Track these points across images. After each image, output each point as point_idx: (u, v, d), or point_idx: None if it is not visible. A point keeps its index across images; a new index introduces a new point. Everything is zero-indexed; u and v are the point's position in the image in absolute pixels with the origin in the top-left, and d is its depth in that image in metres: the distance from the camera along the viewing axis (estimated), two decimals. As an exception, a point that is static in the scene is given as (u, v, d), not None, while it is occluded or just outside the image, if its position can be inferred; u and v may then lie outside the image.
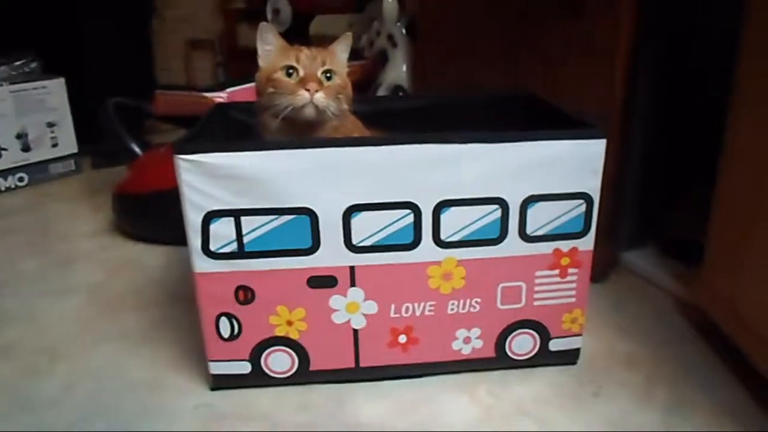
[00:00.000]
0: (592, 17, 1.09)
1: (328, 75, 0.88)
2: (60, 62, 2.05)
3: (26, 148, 1.95)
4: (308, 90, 0.84)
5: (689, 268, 1.21)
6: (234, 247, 0.84)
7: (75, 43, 2.13)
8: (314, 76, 0.86)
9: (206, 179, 0.80)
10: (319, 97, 0.84)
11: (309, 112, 0.85)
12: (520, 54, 1.25)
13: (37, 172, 1.97)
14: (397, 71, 1.60)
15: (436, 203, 0.84)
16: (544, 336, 0.94)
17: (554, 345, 0.95)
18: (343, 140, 0.82)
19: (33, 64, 2.04)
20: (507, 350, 0.94)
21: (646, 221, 1.32)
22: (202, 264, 0.84)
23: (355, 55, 1.80)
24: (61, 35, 2.11)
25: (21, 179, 1.94)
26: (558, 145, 0.83)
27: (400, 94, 1.61)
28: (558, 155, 0.83)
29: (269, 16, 2.38)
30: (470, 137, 0.81)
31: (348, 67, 1.72)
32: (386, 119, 1.02)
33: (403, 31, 1.60)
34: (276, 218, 0.82)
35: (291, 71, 0.87)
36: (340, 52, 0.92)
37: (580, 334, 0.95)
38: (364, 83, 1.73)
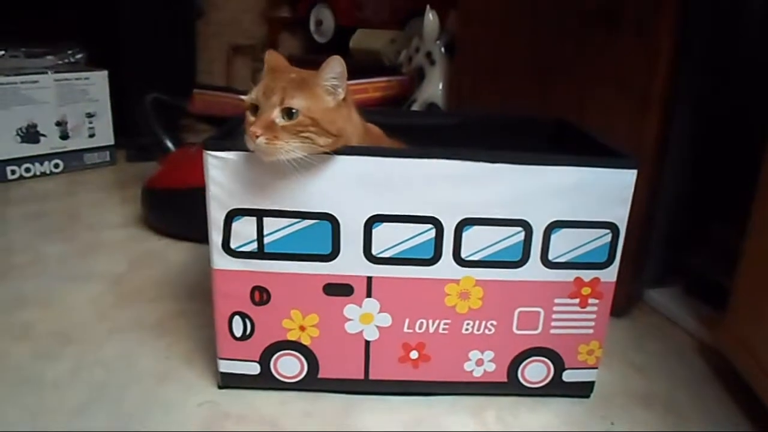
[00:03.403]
0: (627, 44, 1.07)
1: (290, 113, 0.75)
2: (105, 56, 2.10)
3: (64, 136, 1.99)
4: (250, 135, 0.75)
5: (713, 309, 1.18)
6: (254, 246, 0.84)
7: (121, 39, 2.17)
8: (264, 118, 0.75)
9: (233, 177, 0.80)
10: (260, 142, 0.74)
11: (264, 157, 0.76)
12: (554, 80, 1.24)
13: (73, 160, 2.01)
14: (433, 89, 1.60)
15: (459, 220, 0.83)
16: (559, 366, 0.92)
17: (568, 376, 0.93)
18: (370, 150, 0.82)
19: (78, 56, 2.10)
20: (519, 377, 0.92)
21: (672, 260, 1.29)
22: (220, 261, 0.85)
23: (392, 70, 1.82)
24: (108, 30, 2.16)
25: (56, 165, 1.98)
26: (587, 171, 0.81)
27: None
28: (587, 182, 0.82)
29: (312, 26, 2.40)
30: (499, 157, 0.81)
31: (387, 82, 1.74)
32: (416, 134, 1.02)
33: (442, 49, 1.61)
34: (298, 222, 0.82)
35: (255, 107, 0.78)
36: (321, 81, 0.78)
37: (595, 367, 0.93)
38: (400, 99, 1.73)
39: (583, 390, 0.95)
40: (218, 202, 0.82)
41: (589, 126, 1.02)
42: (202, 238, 0.86)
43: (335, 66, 0.78)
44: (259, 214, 0.82)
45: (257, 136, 0.74)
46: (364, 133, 0.87)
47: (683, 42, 1.04)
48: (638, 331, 1.17)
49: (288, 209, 0.82)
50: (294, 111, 0.75)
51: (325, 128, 0.76)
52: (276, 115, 0.75)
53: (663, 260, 1.27)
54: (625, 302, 1.18)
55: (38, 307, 1.15)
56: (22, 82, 1.88)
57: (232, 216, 0.82)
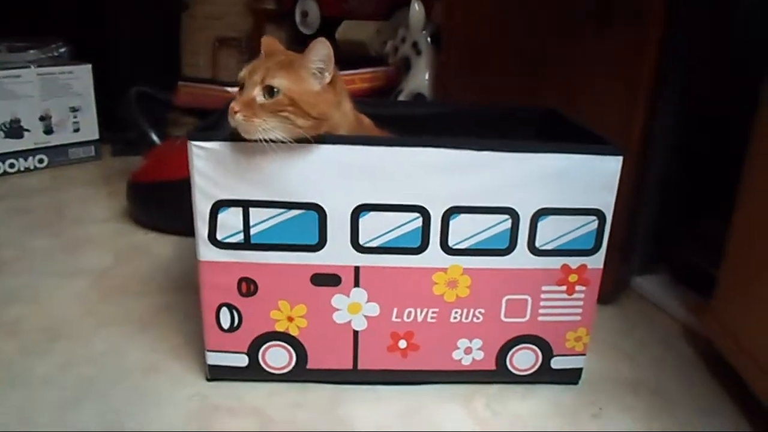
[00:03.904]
0: (617, 35, 1.08)
1: (271, 91, 0.75)
2: (89, 49, 2.08)
3: (48, 131, 1.97)
4: (230, 111, 0.75)
5: (700, 296, 1.19)
6: (240, 237, 0.83)
7: (105, 32, 2.15)
8: (245, 95, 0.76)
9: (218, 167, 0.80)
10: (239, 119, 0.74)
11: (244, 135, 0.75)
12: (542, 70, 1.24)
13: (57, 155, 1.99)
14: (419, 79, 1.60)
15: (446, 209, 0.83)
16: (547, 353, 0.92)
17: (556, 363, 0.93)
18: (357, 138, 0.82)
19: (62, 50, 2.07)
20: (508, 364, 0.93)
21: (659, 247, 1.30)
22: (207, 252, 0.84)
23: (379, 61, 1.81)
24: (91, 23, 2.14)
25: (41, 161, 1.96)
26: (573, 158, 0.82)
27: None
28: (573, 169, 0.82)
29: (297, 18, 2.39)
30: (485, 145, 0.81)
31: (373, 73, 1.73)
32: (404, 124, 1.01)
33: (428, 39, 1.60)
34: (284, 212, 0.82)
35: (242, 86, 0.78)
36: (306, 63, 0.77)
37: (583, 354, 0.94)
38: (386, 89, 1.73)
39: (571, 377, 0.95)
40: (203, 193, 0.81)
41: (581, 117, 1.02)
42: (188, 231, 0.85)
43: (320, 49, 0.77)
44: (245, 205, 0.82)
45: (236, 112, 0.74)
46: (356, 124, 0.87)
47: (672, 35, 1.04)
48: (626, 318, 1.17)
49: (274, 199, 0.81)
50: (275, 90, 0.75)
51: (305, 110, 0.76)
52: (257, 93, 0.76)
53: (650, 248, 1.27)
54: (612, 290, 1.19)
55: (25, 303, 1.14)
56: (4, 77, 1.85)
57: (217, 207, 0.82)
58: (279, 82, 0.75)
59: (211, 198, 0.81)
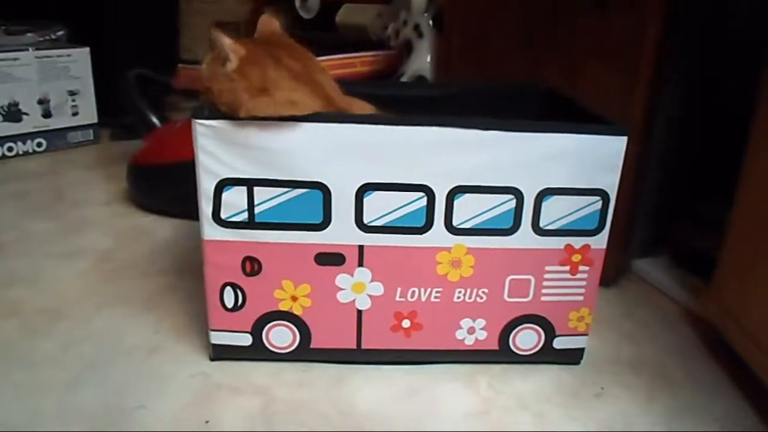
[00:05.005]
0: (618, 17, 1.07)
1: None
2: (87, 33, 2.06)
3: (47, 115, 1.95)
4: None
5: (700, 279, 1.19)
6: (245, 216, 0.83)
7: (103, 16, 2.14)
8: None
9: (222, 145, 0.79)
10: None
11: None
12: (545, 53, 1.23)
13: (56, 138, 1.98)
14: (421, 62, 1.59)
15: (450, 188, 0.83)
16: (549, 333, 0.93)
17: (559, 343, 0.93)
18: (362, 117, 0.81)
19: (60, 33, 2.06)
20: (510, 344, 0.93)
21: (660, 229, 1.30)
22: (211, 231, 0.84)
23: (380, 45, 1.80)
24: (89, 6, 2.12)
25: (39, 144, 1.94)
26: (578, 138, 0.81)
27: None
28: (577, 149, 0.82)
29: (297, 2, 2.37)
30: (490, 124, 0.80)
31: (374, 56, 1.72)
32: (406, 105, 1.01)
33: (430, 22, 1.59)
34: (289, 191, 0.82)
35: None
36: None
37: (585, 334, 0.94)
38: (387, 73, 1.72)
39: (573, 357, 0.96)
40: (208, 172, 0.81)
41: (582, 98, 1.01)
42: (190, 213, 0.85)
43: (216, 37, 0.78)
44: (250, 184, 0.81)
45: None
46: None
47: (673, 17, 1.04)
48: (627, 300, 1.18)
49: (278, 178, 0.81)
50: None
51: (216, 98, 0.78)
52: None
53: (650, 231, 1.27)
54: (613, 273, 1.19)
55: (26, 285, 1.14)
56: (2, 60, 1.84)
57: (222, 186, 0.81)
58: (202, 69, 0.80)
59: (215, 176, 0.81)
